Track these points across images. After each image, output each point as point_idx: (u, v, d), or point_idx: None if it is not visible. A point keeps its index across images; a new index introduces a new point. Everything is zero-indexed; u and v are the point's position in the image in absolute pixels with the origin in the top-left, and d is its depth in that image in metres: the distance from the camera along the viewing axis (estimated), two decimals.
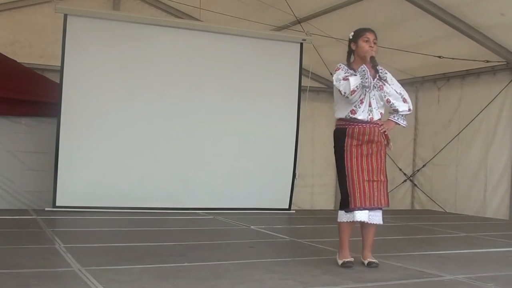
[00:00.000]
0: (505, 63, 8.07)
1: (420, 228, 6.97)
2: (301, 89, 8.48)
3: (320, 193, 10.28)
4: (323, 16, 8.49)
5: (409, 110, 4.22)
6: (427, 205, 9.51)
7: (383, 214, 4.18)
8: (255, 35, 8.30)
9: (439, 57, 8.10)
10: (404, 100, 4.20)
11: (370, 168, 4.08)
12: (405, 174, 9.88)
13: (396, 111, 4.20)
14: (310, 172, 10.11)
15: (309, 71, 8.63)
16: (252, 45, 8.24)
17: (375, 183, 4.08)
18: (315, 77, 9.66)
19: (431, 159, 9.46)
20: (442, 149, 9.21)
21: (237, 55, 8.12)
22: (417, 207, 9.77)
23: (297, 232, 6.58)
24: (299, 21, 8.47)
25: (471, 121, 8.70)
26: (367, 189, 4.04)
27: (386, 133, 4.17)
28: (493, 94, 8.37)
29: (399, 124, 4.24)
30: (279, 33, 8.84)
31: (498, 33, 7.56)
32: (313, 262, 4.27)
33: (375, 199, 4.07)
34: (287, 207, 8.34)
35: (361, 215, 4.05)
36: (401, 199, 10.00)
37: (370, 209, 4.07)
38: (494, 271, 4.10)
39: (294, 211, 8.42)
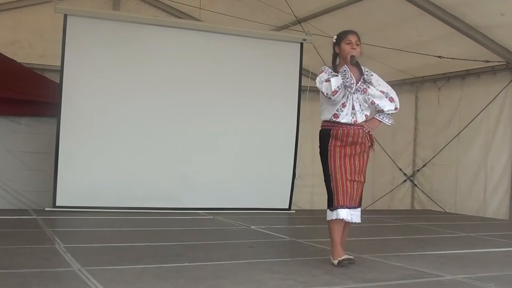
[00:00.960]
0: (505, 63, 8.07)
1: (420, 228, 6.97)
2: (301, 89, 8.48)
3: (320, 193, 10.13)
4: (323, 16, 8.49)
5: (396, 109, 4.26)
6: (427, 205, 9.51)
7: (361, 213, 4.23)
8: (255, 35, 8.30)
9: (439, 57, 8.10)
10: (391, 100, 4.24)
11: (353, 168, 4.14)
12: (405, 174, 9.88)
13: (381, 111, 4.24)
14: (310, 172, 10.08)
15: (309, 71, 8.62)
16: (252, 45, 8.24)
17: (356, 183, 4.15)
18: (315, 77, 9.58)
19: (431, 159, 9.46)
20: (442, 149, 9.21)
21: (237, 55, 8.12)
22: (417, 207, 9.77)
23: (297, 232, 6.58)
24: (299, 21, 8.47)
25: (471, 121, 8.70)
26: (349, 188, 4.11)
27: (370, 132, 4.22)
28: (493, 94, 8.37)
29: (384, 123, 4.28)
30: (279, 33, 8.84)
31: (498, 33, 7.56)
32: (313, 262, 4.27)
33: (357, 198, 4.16)
34: (287, 207, 8.35)
35: (343, 213, 4.10)
36: (401, 199, 10.00)
37: (350, 207, 4.12)
38: (494, 271, 4.10)
39: (294, 211, 8.42)
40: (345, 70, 4.07)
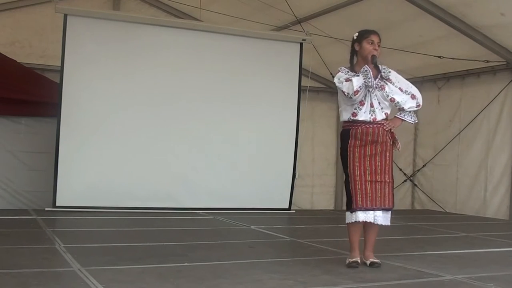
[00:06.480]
0: (505, 63, 8.06)
1: (420, 228, 6.97)
2: (301, 89, 8.49)
3: (320, 193, 10.28)
4: (323, 16, 8.48)
5: (418, 105, 4.22)
6: (428, 205, 9.51)
7: (391, 214, 4.15)
8: (255, 35, 8.30)
9: (439, 57, 8.09)
10: (413, 97, 4.20)
11: (373, 168, 4.07)
12: (405, 174, 9.87)
13: (402, 109, 4.19)
14: (310, 172, 10.09)
15: (309, 71, 8.63)
16: (252, 45, 8.24)
17: (378, 183, 4.07)
18: (315, 77, 9.65)
19: (431, 159, 9.46)
20: (442, 149, 9.20)
21: (237, 55, 8.12)
22: (417, 207, 9.76)
23: (297, 232, 6.58)
24: (299, 21, 8.47)
25: (471, 121, 8.69)
26: (369, 190, 4.04)
27: (392, 130, 4.15)
28: (493, 94, 8.37)
29: (406, 121, 4.22)
30: (279, 33, 8.83)
31: (498, 33, 7.55)
32: (313, 262, 4.27)
33: (379, 200, 4.06)
34: (287, 207, 8.34)
35: (364, 216, 4.04)
36: (401, 199, 9.99)
37: (373, 209, 4.06)
38: (494, 271, 4.10)
39: (294, 211, 8.42)
40: (366, 70, 4.02)
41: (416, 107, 4.22)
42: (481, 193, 8.51)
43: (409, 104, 4.18)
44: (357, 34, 4.21)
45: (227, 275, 3.69)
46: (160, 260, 4.17)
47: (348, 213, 4.11)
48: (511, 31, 7.33)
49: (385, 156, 4.12)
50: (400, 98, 4.15)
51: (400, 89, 4.17)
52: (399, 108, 4.20)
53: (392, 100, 4.15)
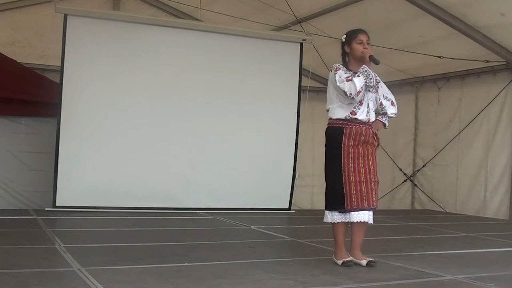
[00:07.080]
0: (505, 63, 8.06)
1: (420, 228, 6.97)
2: (301, 89, 8.49)
3: (320, 193, 10.12)
4: (323, 16, 8.49)
5: (395, 114, 4.34)
6: (428, 205, 9.51)
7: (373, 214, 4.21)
8: (255, 35, 8.30)
9: (439, 57, 8.10)
10: (392, 103, 4.30)
11: (367, 169, 4.10)
12: (405, 174, 9.87)
13: (385, 114, 4.30)
14: (310, 172, 10.09)
15: (309, 71, 8.63)
16: (252, 45, 8.24)
17: (373, 183, 4.11)
18: (315, 77, 9.65)
19: (431, 159, 9.46)
20: (442, 149, 9.20)
21: (237, 55, 8.12)
22: (417, 207, 9.76)
23: (297, 232, 6.58)
24: (299, 21, 8.48)
25: (471, 121, 8.69)
26: (364, 190, 4.07)
27: (377, 133, 4.23)
28: (493, 94, 8.37)
29: (384, 125, 4.33)
30: (279, 33, 8.84)
31: (498, 33, 7.55)
32: (313, 262, 4.27)
33: (372, 199, 4.09)
34: (287, 207, 8.35)
35: (361, 216, 4.06)
36: (401, 199, 9.99)
37: (369, 209, 4.09)
38: (494, 271, 4.10)
39: (294, 211, 8.42)
40: (366, 71, 4.04)
41: (394, 114, 4.34)
42: (481, 193, 8.51)
43: (391, 110, 4.30)
44: (345, 36, 4.23)
45: (227, 275, 3.69)
46: (160, 260, 4.17)
47: (335, 213, 4.12)
48: (511, 31, 7.33)
49: (374, 156, 4.18)
50: (385, 103, 4.27)
51: (383, 94, 4.27)
52: (382, 113, 4.30)
53: (381, 104, 4.26)
